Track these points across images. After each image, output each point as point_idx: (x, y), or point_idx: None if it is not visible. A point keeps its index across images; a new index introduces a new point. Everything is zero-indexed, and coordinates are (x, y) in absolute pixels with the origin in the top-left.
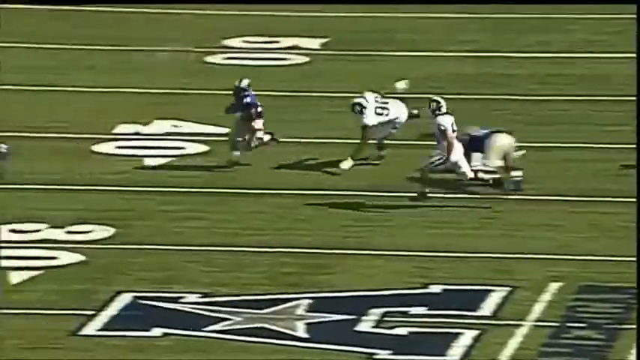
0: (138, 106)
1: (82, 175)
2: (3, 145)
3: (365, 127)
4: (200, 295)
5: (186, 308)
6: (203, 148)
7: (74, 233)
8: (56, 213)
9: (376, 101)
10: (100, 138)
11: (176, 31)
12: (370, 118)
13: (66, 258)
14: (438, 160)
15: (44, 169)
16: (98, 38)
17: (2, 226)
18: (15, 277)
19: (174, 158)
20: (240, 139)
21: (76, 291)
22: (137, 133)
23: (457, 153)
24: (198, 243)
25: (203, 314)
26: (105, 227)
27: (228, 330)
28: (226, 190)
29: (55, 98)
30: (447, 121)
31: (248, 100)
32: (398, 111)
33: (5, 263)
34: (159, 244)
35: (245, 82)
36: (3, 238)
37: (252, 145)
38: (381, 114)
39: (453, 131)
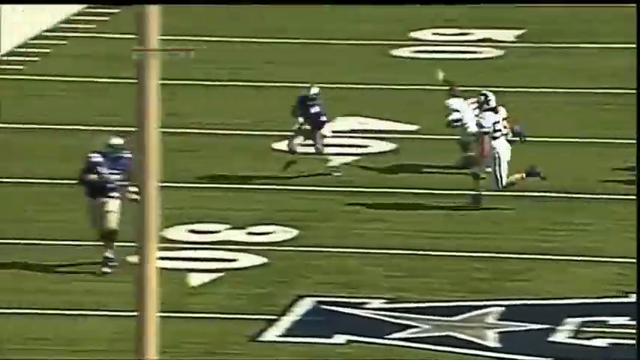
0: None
1: (263, 174)
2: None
3: (485, 133)
4: (384, 301)
5: (370, 314)
6: (389, 146)
7: (255, 234)
8: (237, 213)
9: (468, 106)
10: (282, 135)
11: (360, 23)
12: (475, 123)
13: (246, 260)
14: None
15: (225, 168)
16: (283, 32)
17: (181, 226)
18: (194, 280)
19: (359, 157)
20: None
21: (256, 295)
22: None
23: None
24: (378, 245)
25: (388, 321)
26: (287, 228)
27: (414, 338)
28: (411, 190)
29: (238, 94)
30: (488, 118)
31: (317, 109)
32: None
33: (184, 265)
34: (339, 247)
35: (314, 91)
36: (182, 239)
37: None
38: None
39: (496, 130)
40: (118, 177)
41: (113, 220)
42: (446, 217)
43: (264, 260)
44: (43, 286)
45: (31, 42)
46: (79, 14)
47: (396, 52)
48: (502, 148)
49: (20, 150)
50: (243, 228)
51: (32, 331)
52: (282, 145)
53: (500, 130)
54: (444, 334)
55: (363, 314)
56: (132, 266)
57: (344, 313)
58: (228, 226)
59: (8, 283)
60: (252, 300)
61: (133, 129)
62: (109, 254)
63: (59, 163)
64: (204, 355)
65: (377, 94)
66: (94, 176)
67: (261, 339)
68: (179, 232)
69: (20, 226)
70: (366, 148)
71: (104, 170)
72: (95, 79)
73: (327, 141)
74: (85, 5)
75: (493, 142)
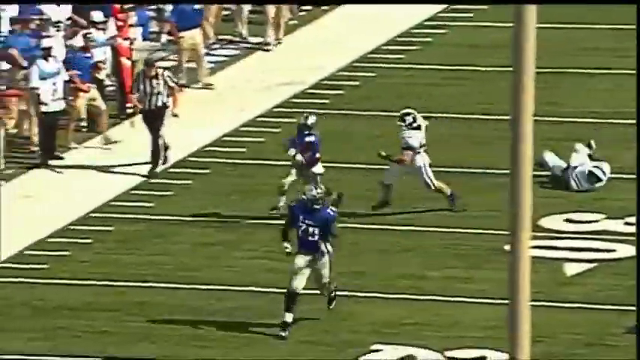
0: None
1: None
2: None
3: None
4: None
5: None
6: None
7: (632, 225)
8: (614, 203)
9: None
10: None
11: None
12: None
13: (623, 251)
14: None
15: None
16: None
17: (557, 215)
18: (570, 269)
19: None
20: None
21: (631, 286)
22: None
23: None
24: None
25: None
26: None
27: None
28: None
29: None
30: (415, 137)
31: (312, 139)
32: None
33: (560, 254)
34: None
35: (312, 120)
36: (558, 229)
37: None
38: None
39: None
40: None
41: None
42: None
43: None
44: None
45: (412, 31)
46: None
47: None
48: (424, 159)
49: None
50: (620, 218)
51: (411, 315)
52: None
53: (425, 145)
54: None
55: None
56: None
57: None
58: (604, 215)
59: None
60: (628, 291)
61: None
62: None
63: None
64: (582, 346)
65: None
66: None
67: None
68: (555, 222)
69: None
70: None
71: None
72: (472, 68)
73: None
74: None
75: (416, 157)
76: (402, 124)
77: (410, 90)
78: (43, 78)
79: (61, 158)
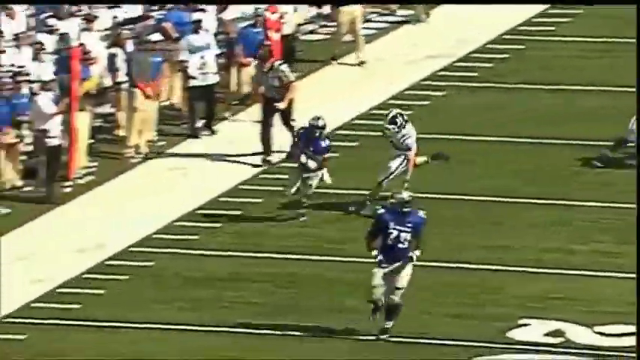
0: None
1: None
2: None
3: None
4: None
5: None
6: None
7: None
8: None
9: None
10: None
11: None
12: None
13: None
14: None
15: None
16: None
17: None
18: None
19: None
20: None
21: None
22: None
23: None
24: None
25: None
26: None
27: None
28: None
29: None
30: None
31: (327, 143)
32: None
33: None
34: None
35: (321, 122)
36: None
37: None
38: None
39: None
40: None
41: None
42: None
43: None
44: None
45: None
46: None
47: None
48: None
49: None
50: None
51: (558, 289)
52: None
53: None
54: None
55: None
56: None
57: None
58: None
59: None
60: None
61: None
62: None
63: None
64: None
65: None
66: None
67: None
68: None
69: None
70: None
71: None
72: (622, 40)
73: None
74: None
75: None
76: (394, 126)
77: (558, 63)
78: (191, 52)
79: (213, 132)
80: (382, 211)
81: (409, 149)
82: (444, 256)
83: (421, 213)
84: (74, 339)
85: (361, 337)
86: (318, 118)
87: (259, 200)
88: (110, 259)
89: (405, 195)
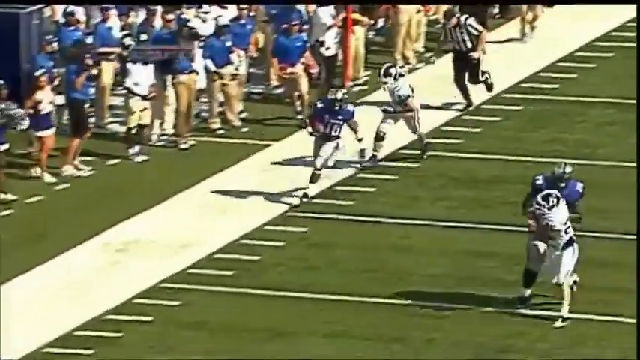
0: None
1: None
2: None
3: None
4: None
5: None
6: None
7: None
8: None
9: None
10: None
11: None
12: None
13: None
14: None
15: None
16: None
17: None
18: None
19: None
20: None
21: None
22: None
23: None
24: None
25: None
26: None
27: None
28: None
29: None
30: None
31: (351, 108)
32: None
33: None
34: None
35: (341, 94)
36: None
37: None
38: None
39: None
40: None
41: None
42: None
43: None
44: None
45: None
46: None
47: None
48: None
49: None
50: None
51: None
52: None
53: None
54: None
55: None
56: None
57: None
58: None
59: None
60: None
61: None
62: None
63: None
64: None
65: None
66: None
67: None
68: None
69: None
70: None
71: None
72: None
73: None
74: None
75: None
76: (389, 78)
77: None
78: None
79: None
80: (538, 179)
81: (405, 99)
82: None
83: (579, 186)
84: None
85: None
86: (336, 91)
87: (520, 107)
88: None
89: (564, 168)
